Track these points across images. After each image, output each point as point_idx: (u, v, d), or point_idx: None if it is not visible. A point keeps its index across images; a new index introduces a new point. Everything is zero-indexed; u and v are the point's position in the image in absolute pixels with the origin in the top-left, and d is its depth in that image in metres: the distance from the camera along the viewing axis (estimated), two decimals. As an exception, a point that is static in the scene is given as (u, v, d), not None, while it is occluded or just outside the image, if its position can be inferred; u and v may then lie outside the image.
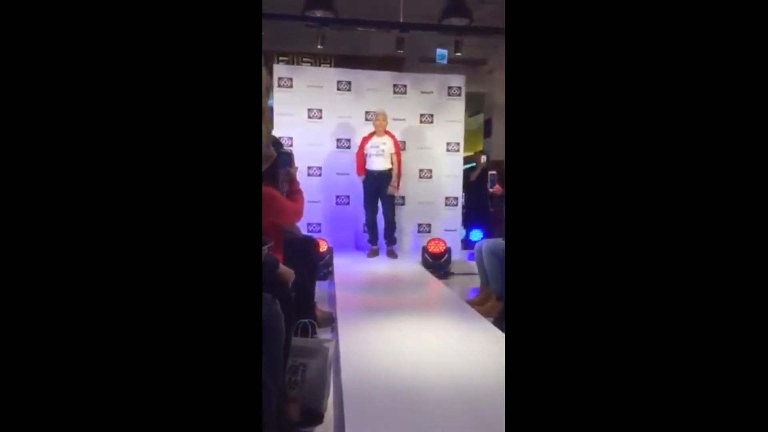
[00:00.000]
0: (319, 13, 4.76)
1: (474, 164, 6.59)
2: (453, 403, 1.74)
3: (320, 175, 5.38)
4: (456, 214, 5.66)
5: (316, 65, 6.76)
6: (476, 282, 3.79)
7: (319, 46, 5.32)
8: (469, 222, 6.11)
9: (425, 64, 6.26)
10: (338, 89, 5.39)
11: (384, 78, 5.50)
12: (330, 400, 2.01)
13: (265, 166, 1.76)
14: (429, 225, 5.59)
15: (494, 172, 3.79)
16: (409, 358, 2.17)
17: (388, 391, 1.83)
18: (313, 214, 5.20)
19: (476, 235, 5.98)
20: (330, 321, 3.05)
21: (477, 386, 1.86)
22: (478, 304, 3.43)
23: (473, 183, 6.20)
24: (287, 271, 1.90)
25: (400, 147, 4.95)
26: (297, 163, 2.58)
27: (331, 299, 3.59)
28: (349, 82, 5.41)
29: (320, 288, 3.43)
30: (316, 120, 5.36)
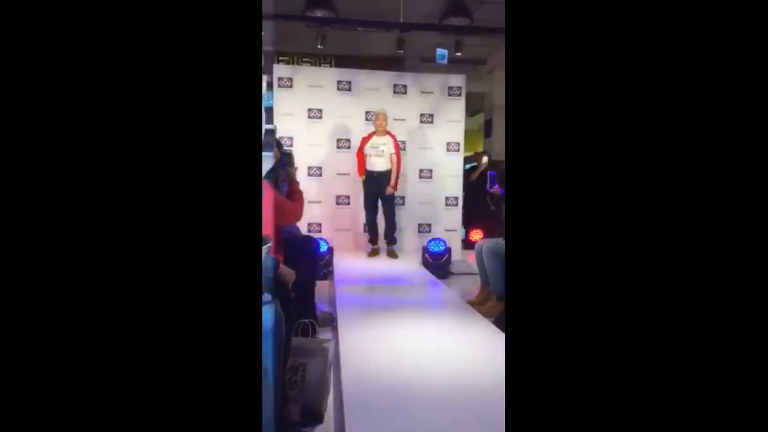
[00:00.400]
0: (319, 13, 4.76)
1: (475, 164, 6.58)
2: (453, 403, 1.74)
3: (320, 175, 5.37)
4: (456, 214, 5.65)
5: (316, 65, 6.76)
6: (476, 282, 3.79)
7: (319, 46, 5.33)
8: (469, 222, 6.10)
9: (425, 64, 6.25)
10: (338, 89, 5.38)
11: (384, 78, 5.49)
12: (330, 400, 2.01)
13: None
14: (429, 225, 5.59)
15: (494, 172, 3.79)
16: (409, 358, 2.16)
17: (388, 391, 1.82)
18: (313, 214, 5.20)
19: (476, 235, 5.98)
20: (330, 321, 3.05)
21: (477, 386, 1.86)
22: (479, 304, 3.43)
23: (473, 183, 6.19)
24: (287, 272, 1.90)
25: (399, 147, 4.95)
26: (297, 163, 2.58)
27: (331, 299, 3.58)
28: (349, 82, 5.40)
29: (320, 288, 3.43)
30: (316, 120, 5.35)
